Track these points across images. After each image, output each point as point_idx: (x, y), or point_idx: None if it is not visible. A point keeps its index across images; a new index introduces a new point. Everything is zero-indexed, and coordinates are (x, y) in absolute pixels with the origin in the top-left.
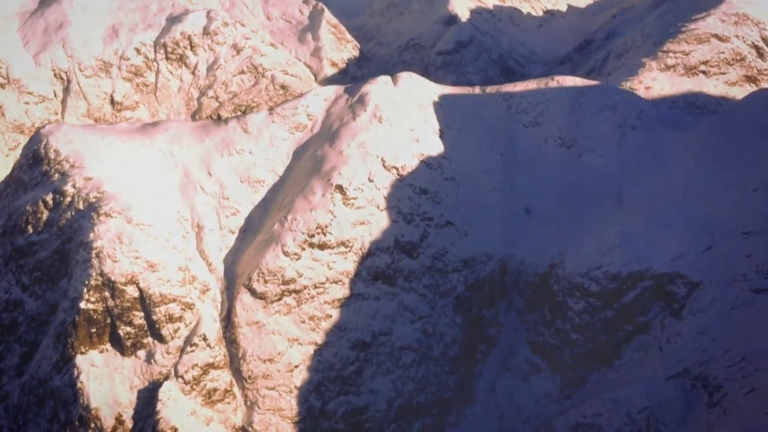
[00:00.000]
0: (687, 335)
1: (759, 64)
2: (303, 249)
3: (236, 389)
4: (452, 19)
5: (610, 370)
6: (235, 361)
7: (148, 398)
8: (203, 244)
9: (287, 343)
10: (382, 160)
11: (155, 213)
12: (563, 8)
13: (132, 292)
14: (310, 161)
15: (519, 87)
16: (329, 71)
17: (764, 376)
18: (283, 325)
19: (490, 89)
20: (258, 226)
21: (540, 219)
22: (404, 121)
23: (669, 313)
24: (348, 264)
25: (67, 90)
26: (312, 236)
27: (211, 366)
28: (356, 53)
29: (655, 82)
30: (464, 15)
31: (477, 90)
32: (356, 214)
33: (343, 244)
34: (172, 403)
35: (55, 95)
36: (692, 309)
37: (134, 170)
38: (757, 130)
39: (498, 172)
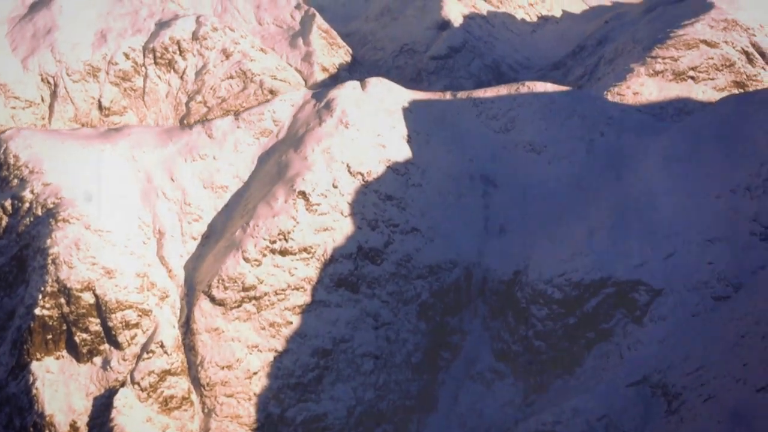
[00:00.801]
0: (648, 342)
1: (748, 69)
2: (264, 255)
3: (194, 396)
4: (445, 25)
5: (572, 377)
6: (193, 368)
7: (103, 405)
8: (164, 251)
9: (246, 349)
10: (347, 165)
11: (114, 219)
12: (558, 14)
13: (88, 298)
14: (275, 167)
15: (490, 93)
16: (320, 76)
17: (722, 383)
18: (243, 332)
19: (461, 95)
20: (221, 233)
21: (507, 226)
22: (371, 127)
23: (631, 320)
24: (310, 270)
25: (54, 95)
26: (274, 242)
27: (168, 373)
28: (348, 58)
29: (643, 87)
30: (457, 20)
31: (448, 95)
32: (319, 221)
33: (305, 250)
34: (127, 410)
35: (42, 100)
36: (653, 316)
37: (95, 176)
38: (723, 136)
39: (466, 179)
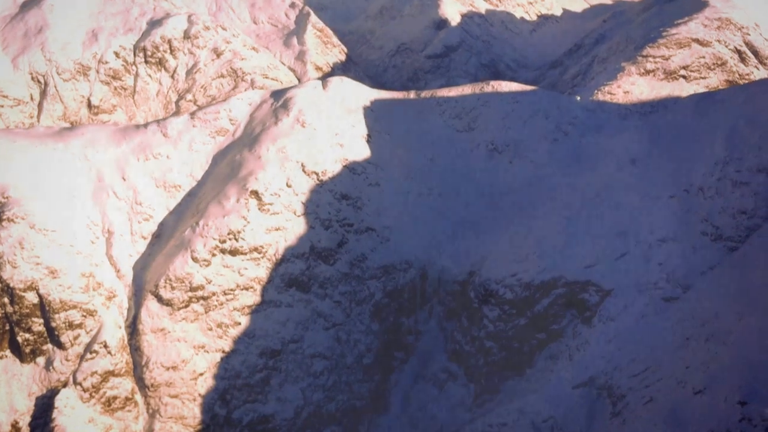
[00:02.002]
0: (595, 343)
1: (741, 68)
2: (213, 255)
3: (138, 397)
4: (442, 23)
5: (523, 378)
6: (138, 369)
7: (45, 405)
8: (113, 250)
9: (193, 350)
10: (302, 165)
11: (62, 218)
12: (558, 12)
13: (31, 298)
14: (229, 166)
15: (454, 92)
16: (313, 75)
17: (665, 386)
18: (189, 333)
19: (425, 94)
20: (172, 232)
21: (464, 225)
22: (329, 126)
23: (580, 321)
24: (260, 270)
25: (43, 93)
26: (223, 242)
27: (111, 373)
28: (342, 57)
29: (634, 86)
30: (455, 19)
31: (412, 95)
32: (271, 220)
33: (256, 250)
34: (69, 411)
35: (31, 98)
36: (602, 317)
37: (44, 175)
38: (681, 136)
39: (426, 178)
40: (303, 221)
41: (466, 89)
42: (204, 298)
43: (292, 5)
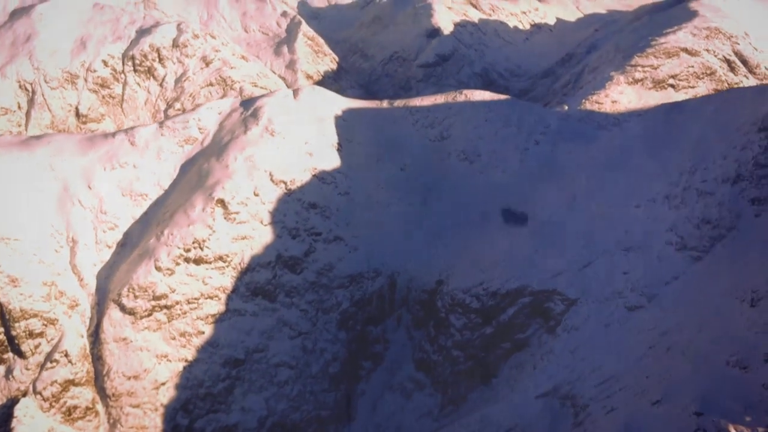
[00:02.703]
0: (559, 353)
1: (730, 77)
2: (177, 264)
3: (99, 407)
4: (435, 32)
5: (488, 388)
6: (100, 378)
7: (5, 415)
8: (77, 259)
9: (155, 359)
10: (270, 174)
11: (25, 227)
12: (551, 22)
13: None
14: (196, 175)
15: (427, 101)
16: (303, 83)
17: (626, 395)
18: (152, 342)
19: (398, 103)
20: (137, 241)
21: (434, 234)
22: (299, 135)
23: (546, 331)
24: (225, 279)
25: (31, 102)
26: (188, 251)
27: (72, 383)
28: (334, 66)
29: (622, 95)
30: (447, 28)
31: (385, 104)
32: (238, 229)
33: (221, 258)
34: (28, 420)
35: (19, 107)
36: (567, 326)
37: (8, 184)
38: (651, 145)
39: (397, 187)
40: (270, 230)
41: (438, 98)
42: (167, 307)
43: (284, 14)
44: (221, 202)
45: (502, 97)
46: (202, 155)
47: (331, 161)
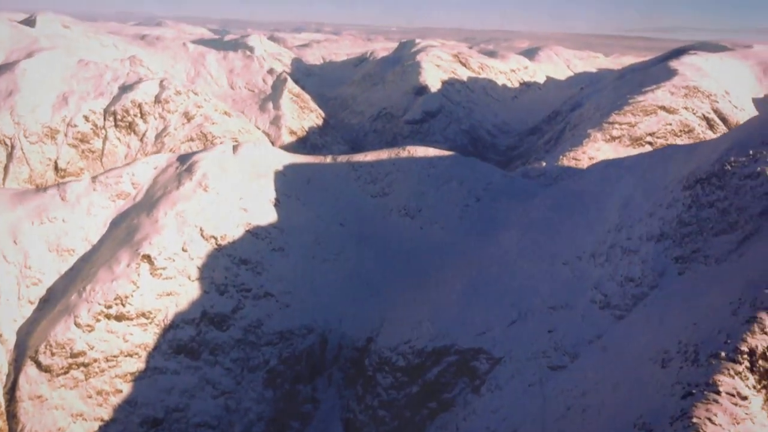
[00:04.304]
0: (482, 413)
1: (708, 135)
2: (98, 320)
3: None
4: (422, 90)
5: None
6: None
7: None
8: None
9: (70, 418)
10: (200, 229)
11: None
12: (541, 80)
13: None
14: (125, 231)
15: (370, 157)
16: (287, 139)
17: None
18: (68, 400)
19: (342, 158)
20: (60, 297)
21: (368, 291)
22: (235, 190)
23: (471, 390)
24: (147, 336)
25: (10, 156)
26: (109, 307)
27: None
28: (319, 122)
29: (599, 152)
30: (435, 86)
31: (328, 159)
32: (163, 285)
33: (143, 315)
34: None
35: None
36: (491, 386)
37: None
38: (583, 202)
39: (334, 243)
40: (197, 286)
41: (382, 154)
42: (85, 365)
43: (270, 71)
44: (147, 258)
45: (446, 153)
46: (134, 210)
47: (268, 216)
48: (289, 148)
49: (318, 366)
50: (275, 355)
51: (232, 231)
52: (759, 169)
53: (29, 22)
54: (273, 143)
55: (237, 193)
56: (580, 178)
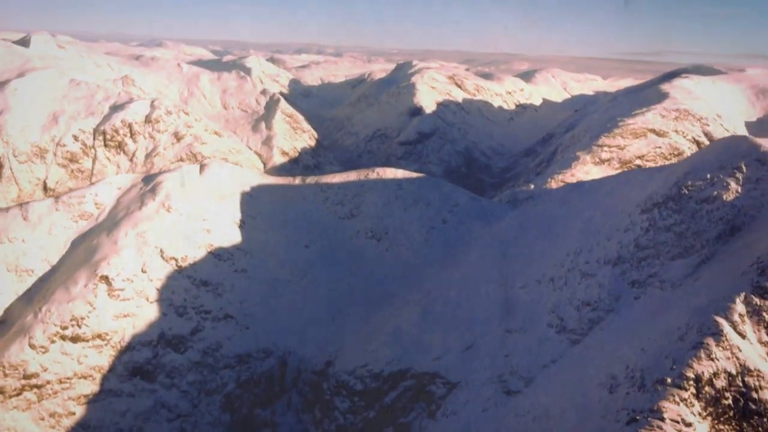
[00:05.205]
0: None
1: None
2: (53, 342)
3: None
4: (417, 111)
5: None
6: None
7: None
8: None
9: None
10: (161, 250)
11: None
12: (537, 102)
13: None
14: (85, 251)
15: (339, 178)
16: (279, 159)
17: None
18: (20, 422)
19: (311, 180)
20: (17, 318)
21: (330, 314)
22: (198, 211)
23: (427, 415)
24: (102, 358)
25: None
26: (65, 328)
27: None
28: (312, 142)
29: (588, 175)
30: (430, 107)
31: (297, 181)
32: (120, 306)
33: (99, 336)
34: None
35: None
36: (446, 410)
37: None
38: (547, 224)
39: (298, 265)
40: (156, 307)
41: (351, 176)
42: (38, 387)
43: (263, 92)
44: (105, 279)
45: (414, 175)
46: (95, 231)
47: (232, 238)
48: (281, 168)
49: (277, 389)
50: (233, 379)
51: (194, 252)
52: (715, 193)
53: (24, 42)
54: (264, 163)
55: (201, 214)
56: (546, 200)
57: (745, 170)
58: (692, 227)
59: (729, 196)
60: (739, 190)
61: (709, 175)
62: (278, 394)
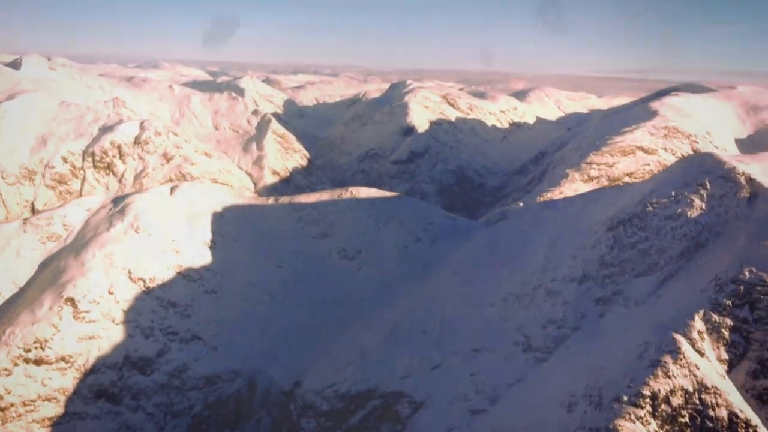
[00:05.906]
0: None
1: None
2: (16, 365)
3: None
4: (410, 130)
5: None
6: None
7: None
8: None
9: None
10: (128, 271)
11: None
12: (531, 120)
13: None
14: (52, 273)
15: (312, 198)
16: (270, 180)
17: None
18: None
19: (284, 200)
20: None
21: (299, 334)
22: (168, 232)
23: None
24: (66, 381)
25: None
26: (28, 351)
27: None
28: (304, 162)
29: (576, 192)
30: (423, 126)
31: (270, 201)
32: (85, 328)
33: (63, 359)
34: None
35: None
36: (412, 430)
37: None
38: (517, 243)
39: (269, 285)
40: (121, 329)
41: (324, 195)
42: (1, 409)
43: (255, 112)
44: (70, 301)
45: (387, 194)
46: (63, 252)
47: (201, 258)
48: (272, 188)
49: (246, 411)
50: (201, 400)
51: (163, 273)
52: (679, 210)
53: (15, 64)
54: (255, 183)
55: (170, 235)
56: (518, 218)
57: (709, 187)
58: (656, 244)
59: (693, 213)
60: (704, 206)
61: (673, 192)
62: (247, 415)
